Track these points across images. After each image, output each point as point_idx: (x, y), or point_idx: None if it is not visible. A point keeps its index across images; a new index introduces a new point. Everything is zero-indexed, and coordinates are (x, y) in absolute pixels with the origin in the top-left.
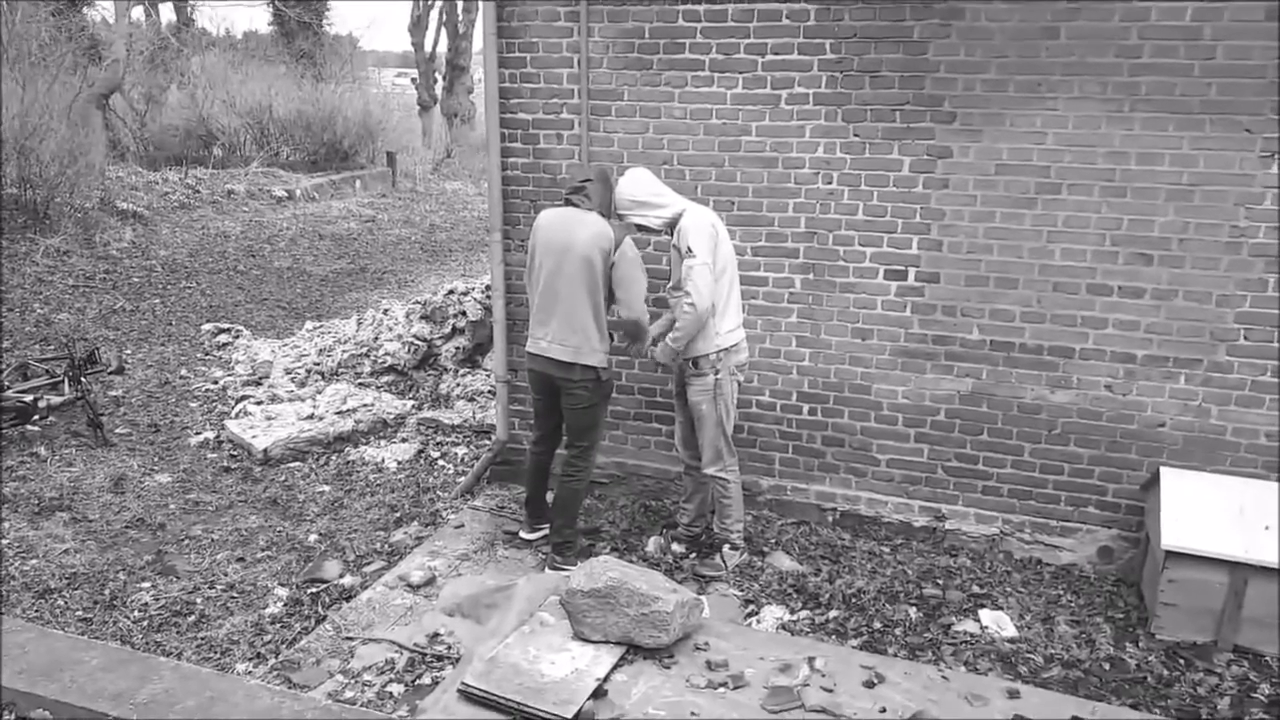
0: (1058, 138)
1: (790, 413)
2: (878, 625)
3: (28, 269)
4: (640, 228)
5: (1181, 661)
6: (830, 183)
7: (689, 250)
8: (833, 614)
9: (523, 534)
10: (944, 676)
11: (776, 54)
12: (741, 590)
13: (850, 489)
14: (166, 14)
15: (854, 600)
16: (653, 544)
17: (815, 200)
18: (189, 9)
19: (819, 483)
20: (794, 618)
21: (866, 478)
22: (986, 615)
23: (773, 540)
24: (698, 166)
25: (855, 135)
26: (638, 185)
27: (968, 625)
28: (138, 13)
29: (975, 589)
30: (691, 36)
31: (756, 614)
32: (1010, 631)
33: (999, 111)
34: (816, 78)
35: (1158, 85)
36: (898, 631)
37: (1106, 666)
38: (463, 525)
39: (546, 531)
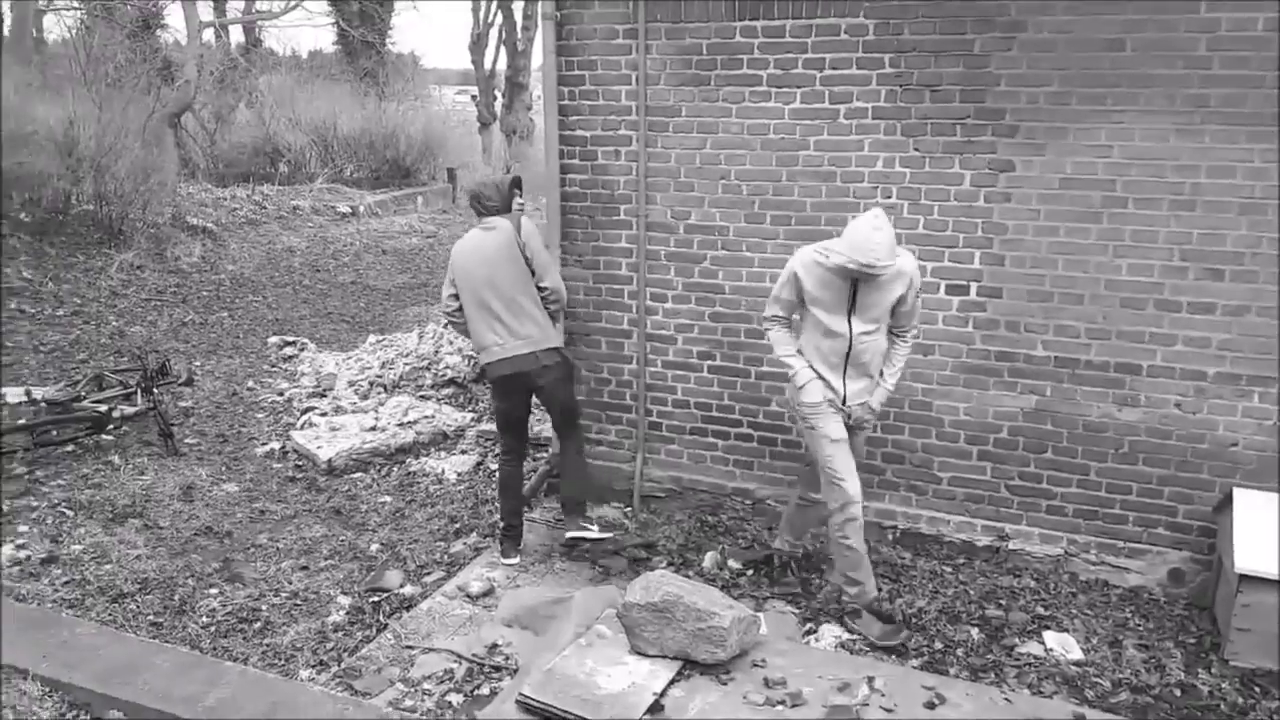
0: (1124, 151)
1: None
2: (939, 645)
3: (103, 283)
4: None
5: (1257, 689)
6: (890, 197)
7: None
8: None
9: (506, 560)
10: (1007, 699)
11: (835, 69)
12: (799, 608)
13: (911, 507)
14: (236, 35)
15: (914, 620)
16: (709, 559)
17: None
18: (257, 30)
19: (879, 500)
20: (853, 636)
21: (927, 496)
22: (1051, 637)
23: (831, 558)
24: (755, 181)
25: (915, 149)
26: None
27: (1031, 647)
28: (208, 34)
29: (1039, 610)
30: (749, 52)
31: (815, 632)
32: (1076, 655)
33: (1063, 125)
34: (875, 92)
35: (1228, 97)
36: (959, 652)
37: (1177, 693)
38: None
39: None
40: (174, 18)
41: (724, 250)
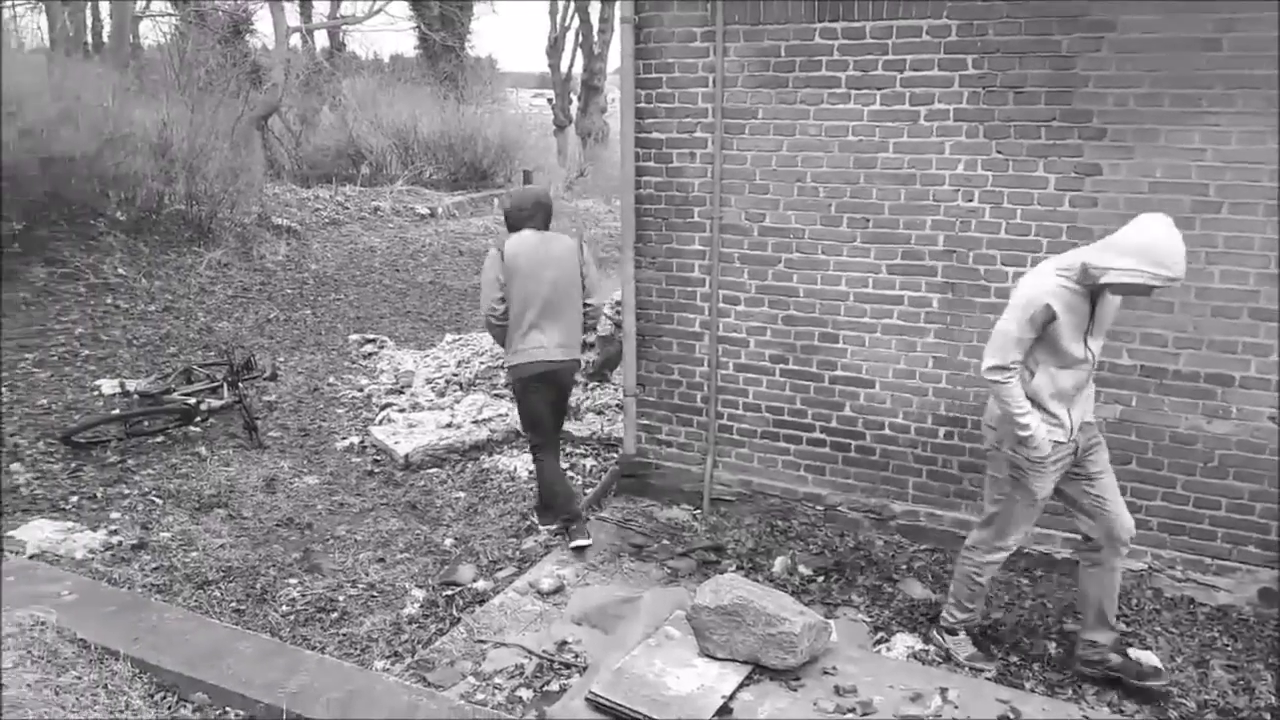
0: (1218, 154)
1: (925, 436)
2: (1014, 658)
3: (192, 280)
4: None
5: None
6: (971, 200)
7: None
8: None
9: (579, 542)
10: (1085, 716)
11: (916, 70)
12: (871, 617)
13: None
14: (320, 39)
15: (989, 632)
16: (779, 564)
17: (955, 218)
18: (341, 35)
19: (955, 510)
20: (925, 647)
21: None
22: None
23: (904, 567)
24: (832, 184)
25: (998, 152)
26: None
27: None
28: (295, 39)
29: (1121, 627)
30: (828, 54)
31: (887, 641)
32: None
33: (1153, 127)
34: (958, 94)
35: None
36: (1035, 666)
37: (1267, 717)
38: (590, 536)
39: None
40: (262, 23)
41: (798, 253)
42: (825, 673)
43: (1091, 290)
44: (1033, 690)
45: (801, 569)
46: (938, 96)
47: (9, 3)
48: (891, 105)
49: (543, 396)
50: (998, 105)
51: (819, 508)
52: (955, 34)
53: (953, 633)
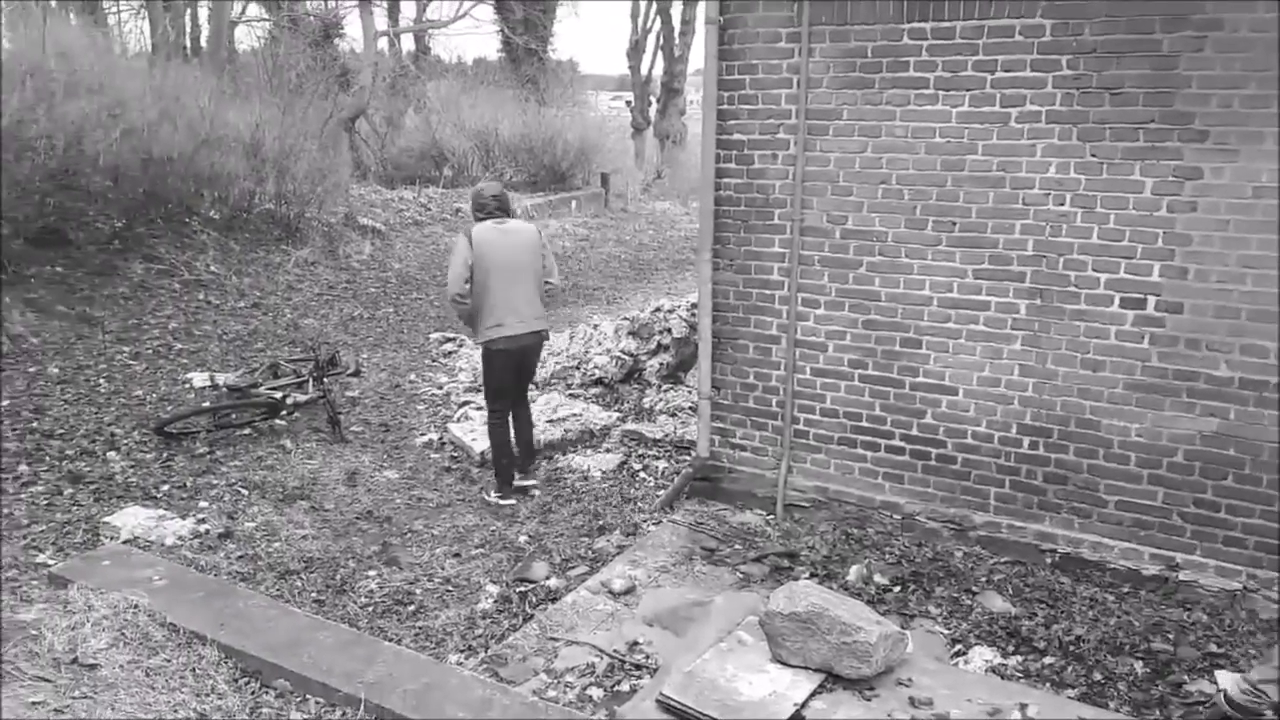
0: None
1: (1009, 445)
2: (1098, 677)
3: (280, 278)
4: None
5: None
6: (1062, 204)
7: None
8: (1047, 660)
9: (505, 500)
10: None
11: (1007, 71)
12: (949, 629)
13: (1073, 530)
14: (407, 43)
15: (1071, 648)
16: (855, 573)
17: (1045, 222)
18: (426, 38)
19: (1038, 522)
20: (1004, 661)
21: (1091, 519)
22: (1224, 677)
23: (983, 579)
24: (918, 186)
25: (1092, 155)
26: None
27: (1202, 686)
28: (382, 43)
29: (1212, 648)
30: (916, 55)
31: (964, 654)
32: None
33: (1258, 130)
34: (1050, 95)
35: None
36: (1120, 686)
37: None
38: (662, 538)
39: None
40: (351, 26)
41: (881, 256)
42: (900, 684)
43: None
44: (1117, 709)
45: (877, 578)
46: (1030, 98)
47: (114, 8)
48: (981, 107)
49: (511, 368)
50: (1093, 107)
51: (896, 516)
52: (1050, 34)
53: None
